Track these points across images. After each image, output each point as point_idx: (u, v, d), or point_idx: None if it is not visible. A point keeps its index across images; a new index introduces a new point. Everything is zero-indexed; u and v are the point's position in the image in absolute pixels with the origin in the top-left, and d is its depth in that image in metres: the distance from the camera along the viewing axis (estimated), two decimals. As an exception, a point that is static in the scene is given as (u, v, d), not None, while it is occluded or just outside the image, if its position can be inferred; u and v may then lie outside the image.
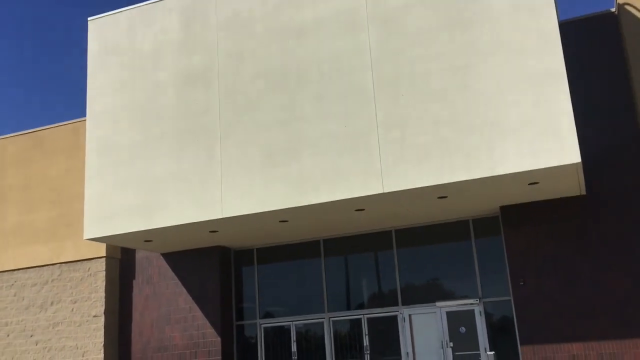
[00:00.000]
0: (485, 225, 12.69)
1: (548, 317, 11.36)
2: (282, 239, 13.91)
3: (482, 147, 9.93)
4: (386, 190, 10.37)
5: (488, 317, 12.33)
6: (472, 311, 12.45)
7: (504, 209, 12.05)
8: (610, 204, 11.36)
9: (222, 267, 14.07)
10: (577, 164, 9.48)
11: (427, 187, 10.22)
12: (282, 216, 11.65)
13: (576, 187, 10.95)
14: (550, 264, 11.51)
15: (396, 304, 13.06)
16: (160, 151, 12.12)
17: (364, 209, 11.55)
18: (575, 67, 11.96)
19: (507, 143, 9.81)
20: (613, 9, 11.88)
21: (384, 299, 13.22)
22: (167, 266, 14.29)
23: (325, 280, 13.71)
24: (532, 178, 10.11)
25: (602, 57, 11.84)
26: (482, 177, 9.87)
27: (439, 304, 12.67)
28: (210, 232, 12.60)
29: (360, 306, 13.37)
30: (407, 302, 12.97)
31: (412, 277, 13.04)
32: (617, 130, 11.55)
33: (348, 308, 13.45)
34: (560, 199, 11.73)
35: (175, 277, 14.16)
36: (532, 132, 9.69)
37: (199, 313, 13.79)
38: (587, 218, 11.46)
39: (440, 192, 10.66)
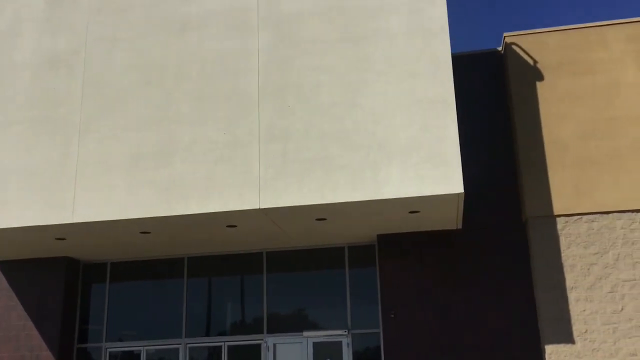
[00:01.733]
0: (360, 254, 12.22)
1: (418, 351, 10.98)
2: (141, 253, 12.57)
3: (367, 168, 9.45)
4: (263, 206, 9.55)
5: (356, 349, 11.76)
6: (340, 342, 11.82)
7: (381, 237, 11.65)
8: (483, 240, 11.32)
9: (67, 281, 12.42)
10: (459, 194, 9.25)
11: (307, 206, 9.53)
12: (145, 227, 10.42)
13: (454, 219, 10.79)
14: (422, 297, 11.20)
15: (261, 332, 12.14)
16: (8, 140, 10.49)
17: (236, 226, 10.62)
18: (458, 101, 11.97)
19: (392, 166, 9.40)
20: (499, 48, 12.09)
21: (248, 325, 12.25)
22: (0, 274, 12.39)
23: (186, 302, 12.51)
24: (414, 205, 9.76)
25: (486, 94, 11.96)
26: (365, 199, 9.36)
27: (306, 333, 11.92)
28: (57, 239, 11.03)
29: (222, 332, 12.30)
30: (272, 330, 12.10)
31: (281, 304, 12.21)
32: (494, 167, 11.62)
33: (208, 334, 12.32)
34: (437, 231, 11.53)
35: (10, 289, 12.29)
36: (418, 157, 9.37)
37: (34, 332, 12.01)
38: (461, 252, 11.33)
39: (320, 213, 10.02)
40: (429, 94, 9.62)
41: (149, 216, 9.82)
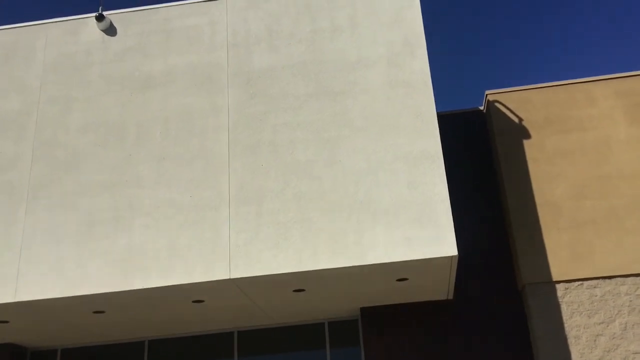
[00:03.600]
0: (342, 330, 11.04)
1: None
2: (95, 337, 11.18)
3: (349, 231, 8.50)
4: (233, 276, 8.46)
5: None
6: None
7: (365, 311, 10.54)
8: (477, 311, 10.30)
9: (10, 372, 10.90)
10: (453, 257, 8.32)
11: (283, 274, 8.47)
12: (98, 304, 9.18)
13: (445, 288, 9.79)
14: (413, 377, 10.01)
15: None
16: (-57, 211, 9.32)
17: (203, 300, 9.44)
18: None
19: (377, 228, 8.48)
20: (481, 107, 11.56)
21: (217, 417, 10.80)
22: None
23: (146, 392, 11.05)
24: (402, 272, 8.78)
25: (470, 155, 11.30)
26: (348, 265, 8.35)
27: None
28: (-2, 322, 9.68)
29: None
30: (245, 423, 10.68)
31: (254, 391, 10.85)
32: (484, 232, 10.78)
33: None
34: (427, 302, 10.49)
35: (-59, 384, 10.73)
36: (406, 218, 8.48)
37: None
38: (454, 325, 10.27)
39: (298, 283, 8.95)
40: (414, 150, 8.86)
41: (101, 292, 8.61)
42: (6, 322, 9.68)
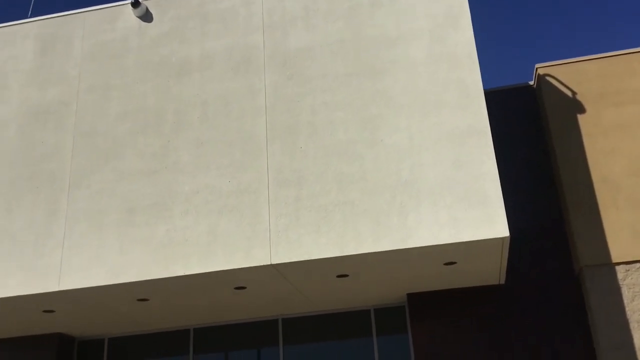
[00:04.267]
0: (389, 317, 10.70)
1: None
2: (141, 326, 11.17)
3: (393, 213, 8.16)
4: (275, 262, 8.23)
5: None
6: None
7: (412, 297, 10.18)
8: (531, 295, 9.80)
9: (59, 361, 11.00)
10: (504, 238, 7.87)
11: (325, 259, 8.19)
12: (141, 292, 9.11)
13: (496, 272, 9.34)
14: (464, 365, 9.60)
15: (278, 414, 10.52)
16: (-12, 202, 9.40)
17: (245, 287, 9.26)
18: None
19: (422, 209, 8.10)
20: (531, 82, 10.98)
21: (263, 406, 10.65)
22: (-19, 356, 11.04)
23: (192, 381, 10.98)
24: (450, 255, 8.38)
25: (520, 131, 10.76)
26: (392, 249, 8.01)
27: (331, 413, 10.30)
28: (44, 311, 9.73)
29: (234, 416, 10.70)
30: (292, 411, 10.48)
31: (300, 379, 10.65)
32: (538, 211, 10.24)
33: (218, 418, 10.73)
34: (477, 287, 10.06)
35: (-7, 372, 10.90)
36: (452, 198, 8.07)
37: (20, 422, 10.52)
38: (506, 311, 9.80)
39: (341, 268, 8.66)
40: (460, 126, 8.43)
41: (143, 279, 8.53)
42: (52, 311, 9.73)
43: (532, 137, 10.68)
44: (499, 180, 8.07)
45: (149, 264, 8.57)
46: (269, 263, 8.25)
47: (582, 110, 10.15)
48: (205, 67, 9.56)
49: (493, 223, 7.87)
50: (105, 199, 9.08)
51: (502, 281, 9.86)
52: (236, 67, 9.46)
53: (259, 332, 11.07)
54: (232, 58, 9.53)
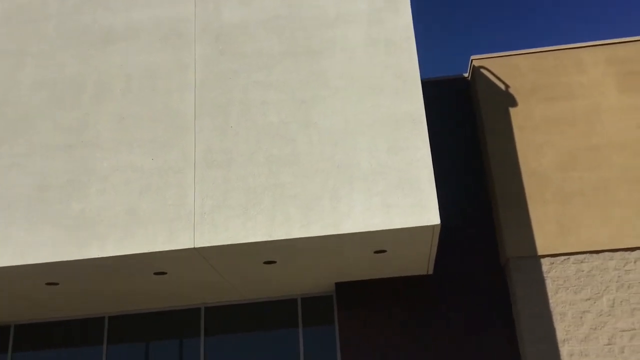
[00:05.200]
0: (316, 306, 10.45)
1: None
2: (51, 312, 10.44)
3: (325, 198, 7.87)
4: (198, 245, 7.79)
5: (312, 423, 9.82)
6: (293, 416, 9.87)
7: (340, 286, 9.96)
8: (458, 287, 9.78)
9: (-42, 350, 10.13)
10: (435, 226, 7.74)
11: (253, 243, 7.82)
12: (51, 275, 8.44)
13: (425, 262, 9.25)
14: (390, 356, 9.47)
15: (197, 406, 10.07)
16: None
17: (166, 273, 8.76)
18: (425, 131, 10.67)
19: (355, 194, 7.86)
20: (466, 74, 10.97)
21: (181, 398, 10.17)
22: None
23: (106, 371, 10.36)
24: (380, 243, 8.19)
25: (453, 123, 10.73)
26: (322, 234, 7.73)
27: (252, 405, 9.95)
28: (-59, 294, 8.90)
29: (150, 408, 10.17)
30: (211, 403, 10.06)
31: (221, 370, 10.23)
32: (467, 203, 10.24)
33: (132, 411, 10.16)
34: (405, 278, 9.95)
35: None
36: (385, 184, 7.87)
37: None
38: (433, 302, 9.74)
39: (269, 254, 8.31)
40: (396, 112, 8.24)
41: (53, 260, 7.88)
42: (-50, 294, 8.92)
43: (465, 129, 10.67)
44: (432, 168, 7.94)
45: (61, 245, 7.93)
46: (192, 246, 7.79)
47: (514, 103, 10.21)
48: (131, 37, 8.96)
49: (425, 211, 7.72)
50: (15, 174, 8.35)
51: (430, 271, 9.79)
52: (164, 39, 8.92)
53: (179, 321, 10.57)
54: (161, 29, 8.98)
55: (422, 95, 8.26)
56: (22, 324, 10.75)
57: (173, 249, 7.81)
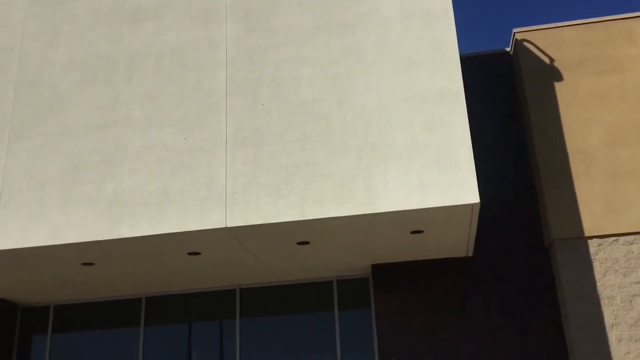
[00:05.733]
0: (352, 289, 10.24)
1: (424, 409, 8.92)
2: (89, 294, 10.52)
3: (358, 176, 7.62)
4: (230, 225, 7.65)
5: (348, 407, 9.66)
6: (329, 399, 9.73)
7: (376, 268, 9.72)
8: (499, 269, 9.42)
9: (0, 329, 10.29)
10: (474, 205, 7.41)
11: (284, 223, 7.64)
12: (85, 255, 8.46)
13: (464, 243, 8.91)
14: (427, 340, 9.20)
15: (233, 387, 10.02)
16: None
17: (199, 253, 8.68)
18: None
19: (390, 173, 7.58)
20: (508, 48, 10.50)
21: (217, 379, 10.13)
22: None
23: (143, 352, 10.40)
24: (417, 223, 7.90)
25: (495, 99, 10.30)
26: (356, 214, 7.48)
27: (288, 388, 9.84)
28: (-19, 274, 9.02)
29: (186, 389, 10.17)
30: (247, 385, 9.99)
31: (257, 351, 10.14)
32: (509, 182, 9.83)
33: (169, 391, 10.18)
34: (443, 260, 9.64)
35: None
36: (422, 161, 7.56)
37: (-46, 392, 9.83)
38: (473, 285, 9.41)
39: (302, 235, 8.12)
40: (432, 87, 7.91)
41: (87, 240, 7.87)
42: (-10, 274, 9.03)
43: (506, 105, 10.23)
44: (471, 145, 7.59)
45: (94, 224, 7.92)
46: (223, 226, 7.66)
47: (559, 78, 9.72)
48: (161, 15, 8.84)
49: (463, 189, 7.39)
50: (48, 153, 8.36)
51: (470, 253, 9.46)
52: (195, 16, 8.76)
53: (215, 303, 10.52)
54: (191, 6, 8.83)
55: (460, 70, 7.89)
56: (61, 304, 10.88)
57: (205, 228, 7.70)
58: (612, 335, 8.47)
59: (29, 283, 9.65)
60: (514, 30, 10.06)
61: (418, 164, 7.54)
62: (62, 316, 10.81)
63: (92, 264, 8.87)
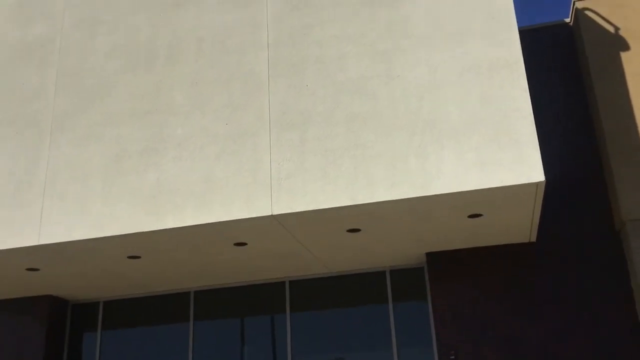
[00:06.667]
0: (406, 279, 9.75)
1: (487, 405, 8.36)
2: (138, 288, 10.36)
3: (411, 156, 7.14)
4: (276, 212, 7.29)
5: (406, 403, 9.18)
6: (386, 395, 9.26)
7: (432, 256, 9.20)
8: (565, 255, 8.76)
9: (51, 325, 10.25)
10: (539, 183, 6.82)
11: (334, 209, 7.22)
12: (130, 248, 8.24)
13: (527, 228, 8.31)
14: (490, 331, 8.64)
15: (285, 383, 9.67)
16: (-34, 149, 8.57)
17: (246, 244, 8.35)
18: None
19: (445, 151, 7.07)
20: (567, 19, 9.81)
21: (269, 375, 9.80)
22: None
23: (193, 348, 10.17)
24: (475, 205, 7.36)
25: (555, 73, 9.63)
26: (409, 197, 7.00)
27: (342, 383, 9.42)
28: (28, 269, 8.92)
29: (237, 385, 9.88)
30: (299, 381, 9.63)
31: (309, 345, 9.77)
32: (573, 160, 9.16)
33: (220, 387, 9.92)
34: (505, 246, 9.04)
35: (-22, 335, 10.18)
36: (479, 138, 7.02)
37: (8, 389, 9.81)
38: (538, 272, 8.79)
39: (352, 221, 7.69)
40: (488, 58, 7.35)
41: (131, 232, 7.64)
42: (36, 269, 8.93)
43: (570, 79, 9.55)
44: (533, 118, 7.00)
45: (138, 216, 7.68)
46: (269, 214, 7.30)
47: (626, 47, 8.99)
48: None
49: (526, 166, 6.82)
50: (91, 144, 8.18)
51: (533, 239, 8.83)
52: (235, -3, 8.44)
53: (264, 296, 10.19)
54: (231, -12, 8.51)
55: (518, 37, 7.31)
56: (110, 300, 10.76)
57: (250, 216, 7.36)
58: (696, 324, 7.72)
59: (77, 278, 9.54)
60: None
61: (475, 141, 7.01)
62: (112, 312, 10.69)
63: (138, 257, 8.66)
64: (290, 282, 10.14)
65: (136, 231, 7.64)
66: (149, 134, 8.03)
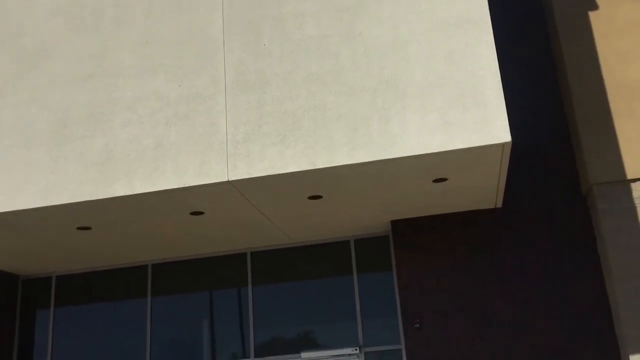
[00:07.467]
0: (371, 248, 9.51)
1: (453, 373, 8.21)
2: (92, 262, 9.92)
3: (373, 117, 6.81)
4: (232, 178, 6.91)
5: (371, 373, 8.99)
6: (351, 366, 9.07)
7: (397, 224, 8.96)
8: (532, 220, 8.60)
9: (0, 302, 9.76)
10: (505, 144, 6.57)
11: (293, 174, 6.88)
12: (78, 218, 7.79)
13: (493, 192, 8.10)
14: (456, 299, 8.46)
15: (247, 356, 9.39)
16: None
17: (203, 212, 7.97)
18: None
19: (408, 112, 6.76)
20: (534, -21, 9.54)
21: (229, 347, 9.51)
22: None
23: (151, 323, 9.81)
24: (440, 168, 7.09)
25: (522, 31, 9.38)
26: (371, 160, 6.69)
27: (304, 354, 9.18)
28: (-28, 243, 8.43)
29: (197, 359, 9.56)
30: (262, 352, 9.36)
31: (271, 318, 9.49)
32: (539, 122, 8.96)
33: (180, 362, 9.60)
34: (470, 212, 8.84)
35: None
36: (444, 98, 6.73)
37: (-45, 369, 9.35)
38: (504, 239, 8.62)
39: (313, 187, 7.36)
40: (453, 15, 7.03)
41: (79, 200, 7.19)
42: (-19, 243, 8.43)
43: (536, 39, 9.30)
44: (499, 77, 6.72)
45: (85, 183, 7.23)
46: (225, 180, 6.93)
47: (594, 6, 8.75)
48: (151, -47, 8.02)
49: (492, 127, 6.55)
50: (35, 108, 7.66)
51: (499, 204, 8.65)
52: (187, -49, 7.93)
53: (226, 267, 9.85)
54: (183, -59, 7.99)
55: (484, -7, 7.00)
56: (63, 274, 10.30)
57: (205, 183, 6.98)
58: (661, 287, 7.64)
59: (26, 252, 9.07)
60: (542, -43, 9.08)
61: (440, 101, 6.71)
62: (65, 287, 10.24)
63: (88, 228, 8.22)
64: (251, 253, 9.81)
65: (84, 199, 7.20)
66: (96, 97, 7.54)
